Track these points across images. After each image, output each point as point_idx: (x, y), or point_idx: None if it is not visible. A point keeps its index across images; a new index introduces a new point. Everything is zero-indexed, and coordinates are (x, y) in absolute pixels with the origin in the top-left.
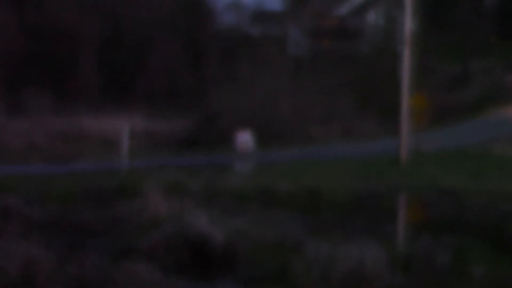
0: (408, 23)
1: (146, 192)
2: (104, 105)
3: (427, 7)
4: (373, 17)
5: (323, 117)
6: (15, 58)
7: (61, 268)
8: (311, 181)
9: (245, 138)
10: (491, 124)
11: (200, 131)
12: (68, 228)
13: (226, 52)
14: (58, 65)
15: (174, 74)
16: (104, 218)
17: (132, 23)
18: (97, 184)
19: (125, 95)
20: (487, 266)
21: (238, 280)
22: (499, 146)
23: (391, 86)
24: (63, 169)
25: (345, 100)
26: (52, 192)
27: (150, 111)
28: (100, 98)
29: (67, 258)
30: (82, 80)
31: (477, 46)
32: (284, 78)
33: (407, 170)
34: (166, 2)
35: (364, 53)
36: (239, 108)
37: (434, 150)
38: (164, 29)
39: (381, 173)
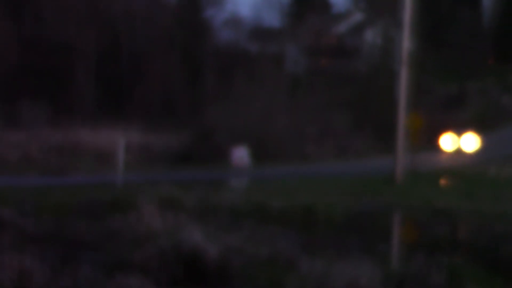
0: (406, 43)
1: (140, 206)
2: (100, 119)
3: (425, 27)
4: (371, 36)
5: (318, 135)
6: (11, 70)
7: (54, 280)
8: (305, 198)
9: (241, 154)
10: (486, 145)
11: (196, 146)
12: (61, 240)
13: (223, 68)
14: (54, 78)
15: (170, 88)
16: (98, 231)
17: (129, 37)
18: (92, 197)
19: (121, 109)
20: (481, 286)
21: None
22: (494, 167)
23: (387, 105)
24: (58, 181)
25: (341, 118)
26: (47, 204)
27: (146, 125)
28: (96, 111)
29: (60, 270)
30: (78, 93)
31: (474, 67)
32: (281, 95)
33: (402, 189)
34: (163, 17)
35: (361, 72)
36: (235, 124)
37: (429, 170)
38: (162, 43)
39: (375, 191)
